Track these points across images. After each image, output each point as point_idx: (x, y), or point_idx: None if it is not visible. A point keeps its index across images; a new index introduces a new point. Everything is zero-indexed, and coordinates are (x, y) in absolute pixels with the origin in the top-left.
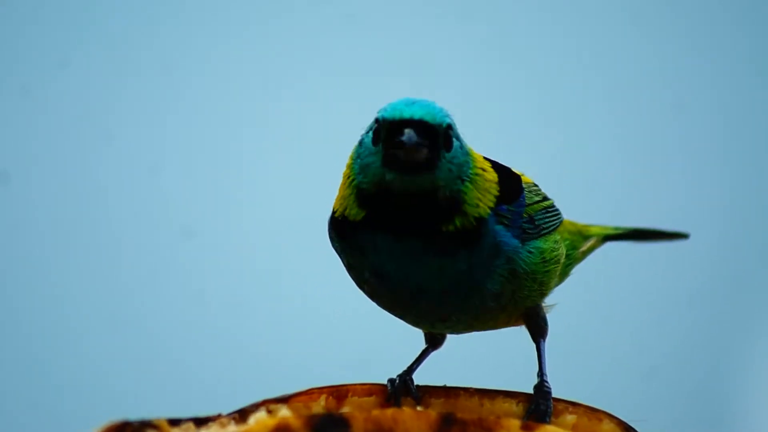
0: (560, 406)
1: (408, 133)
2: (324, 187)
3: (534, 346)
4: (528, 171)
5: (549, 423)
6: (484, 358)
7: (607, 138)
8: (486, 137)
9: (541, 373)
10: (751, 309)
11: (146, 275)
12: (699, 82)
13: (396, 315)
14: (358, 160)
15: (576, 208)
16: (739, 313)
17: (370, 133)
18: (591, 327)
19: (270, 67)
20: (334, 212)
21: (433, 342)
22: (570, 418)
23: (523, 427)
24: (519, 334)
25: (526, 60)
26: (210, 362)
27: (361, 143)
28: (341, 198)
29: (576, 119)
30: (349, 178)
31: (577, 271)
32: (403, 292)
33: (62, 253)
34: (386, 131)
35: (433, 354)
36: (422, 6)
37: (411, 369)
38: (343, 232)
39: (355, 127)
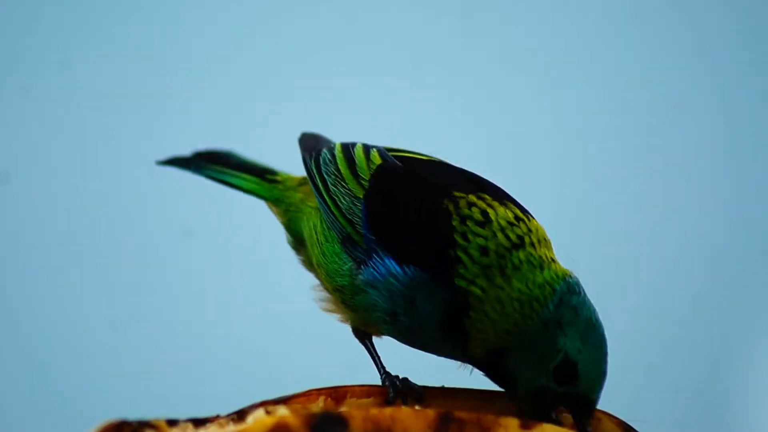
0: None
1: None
2: None
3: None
4: (529, 171)
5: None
6: None
7: (608, 138)
8: (487, 137)
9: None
10: (752, 308)
11: (146, 275)
12: (699, 82)
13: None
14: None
15: (576, 208)
16: (739, 312)
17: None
18: None
19: (270, 66)
20: (457, 280)
21: (367, 335)
22: (570, 417)
23: (522, 425)
24: None
25: (527, 59)
26: (210, 362)
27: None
28: (485, 299)
29: (576, 119)
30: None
31: (578, 271)
32: None
33: (62, 253)
34: (582, 405)
35: (433, 355)
36: (422, 6)
37: (384, 367)
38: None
39: (355, 127)
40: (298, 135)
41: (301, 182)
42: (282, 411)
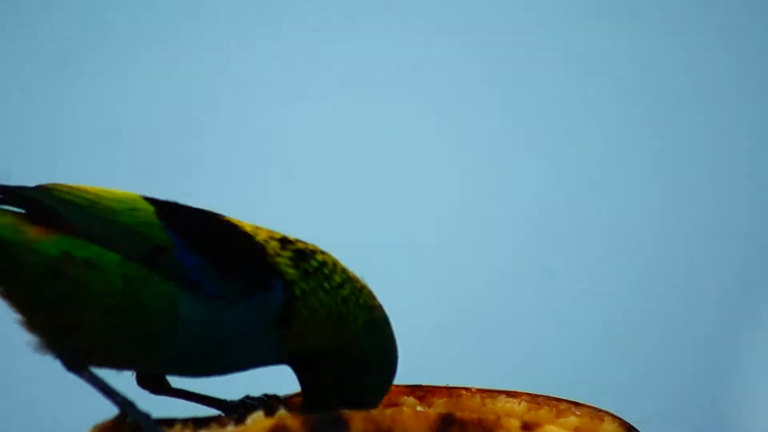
0: (563, 406)
1: None
2: (324, 187)
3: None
4: (531, 172)
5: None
6: (486, 358)
7: (606, 140)
8: (487, 138)
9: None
10: (753, 309)
11: None
12: (695, 84)
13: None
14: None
15: (577, 206)
16: (740, 312)
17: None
18: (592, 326)
19: (270, 67)
20: (292, 305)
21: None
22: (572, 418)
23: (523, 426)
24: (521, 335)
25: (528, 61)
26: None
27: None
28: (310, 323)
29: (577, 118)
30: (333, 339)
31: (579, 270)
32: None
33: None
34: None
35: (437, 353)
36: (422, 8)
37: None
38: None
39: (355, 128)
40: (298, 134)
41: None
42: (282, 411)
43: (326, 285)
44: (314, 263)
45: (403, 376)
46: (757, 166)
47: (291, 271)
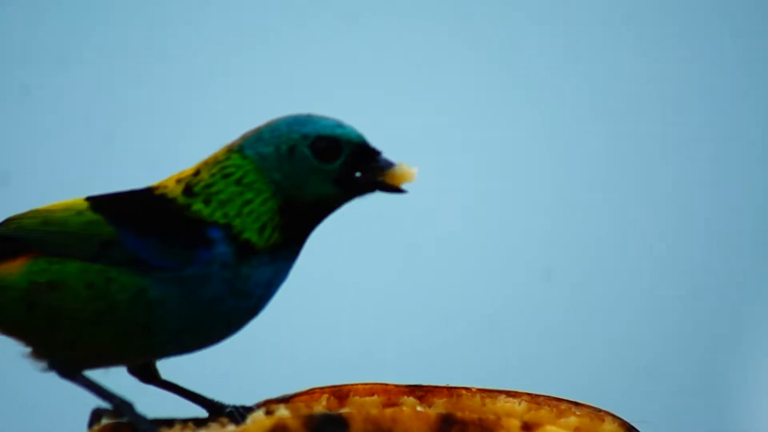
0: (563, 406)
1: (386, 160)
2: None
3: None
4: (529, 173)
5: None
6: (486, 358)
7: (605, 139)
8: (486, 139)
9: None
10: (752, 308)
11: None
12: (696, 84)
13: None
14: (280, 176)
15: (576, 207)
16: (740, 312)
17: (306, 149)
18: (592, 326)
19: (270, 68)
20: (232, 232)
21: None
22: (573, 418)
23: (523, 427)
24: (521, 335)
25: (527, 61)
26: (210, 362)
27: (282, 158)
28: (249, 220)
29: (577, 119)
30: (261, 194)
31: (579, 270)
32: (240, 318)
33: None
34: (357, 155)
35: (437, 353)
36: (423, 8)
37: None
38: (247, 257)
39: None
40: None
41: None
42: (283, 411)
43: (223, 192)
44: (202, 188)
45: (403, 376)
46: (758, 166)
47: (216, 213)
